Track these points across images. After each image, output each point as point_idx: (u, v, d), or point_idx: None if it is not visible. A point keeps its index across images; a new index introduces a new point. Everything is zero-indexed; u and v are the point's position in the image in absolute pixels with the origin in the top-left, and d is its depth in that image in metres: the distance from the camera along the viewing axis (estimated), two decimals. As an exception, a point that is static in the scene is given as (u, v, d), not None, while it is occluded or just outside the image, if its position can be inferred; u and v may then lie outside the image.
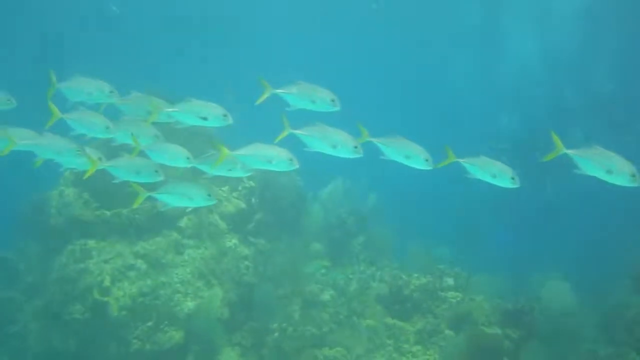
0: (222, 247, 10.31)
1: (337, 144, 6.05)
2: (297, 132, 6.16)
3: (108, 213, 10.16)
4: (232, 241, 10.43)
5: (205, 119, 6.29)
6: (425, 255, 12.25)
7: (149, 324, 9.37)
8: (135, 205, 6.38)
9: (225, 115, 6.29)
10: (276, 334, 9.51)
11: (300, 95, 6.21)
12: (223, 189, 10.75)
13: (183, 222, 10.26)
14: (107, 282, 9.49)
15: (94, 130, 6.70)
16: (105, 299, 9.40)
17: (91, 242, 9.96)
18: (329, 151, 6.15)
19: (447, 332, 9.79)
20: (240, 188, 11.23)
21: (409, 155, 5.89)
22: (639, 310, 10.09)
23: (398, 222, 13.43)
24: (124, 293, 9.47)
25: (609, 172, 5.29)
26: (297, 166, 6.18)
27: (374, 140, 6.08)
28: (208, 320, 9.56)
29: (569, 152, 5.28)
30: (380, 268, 11.77)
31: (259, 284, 10.25)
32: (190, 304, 9.63)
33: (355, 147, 6.04)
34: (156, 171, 6.44)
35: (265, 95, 6.25)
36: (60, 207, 10.43)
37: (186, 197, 6.38)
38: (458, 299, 10.54)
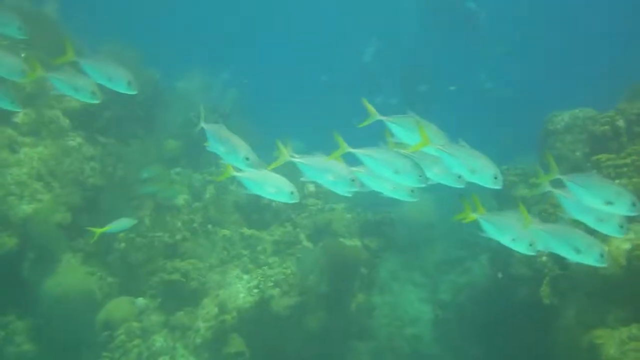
0: (65, 146, 9.58)
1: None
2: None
3: None
4: (76, 140, 9.71)
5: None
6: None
7: (-22, 228, 8.68)
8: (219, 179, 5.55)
9: None
10: (123, 244, 9.12)
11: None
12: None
13: (19, 118, 9.41)
14: None
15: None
16: None
17: None
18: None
19: (305, 243, 9.78)
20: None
21: (475, 169, 4.91)
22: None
23: (261, 119, 13.15)
24: (-51, 194, 8.70)
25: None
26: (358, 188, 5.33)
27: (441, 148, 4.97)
28: (47, 226, 9.00)
29: (384, 118, 5.14)
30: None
31: (106, 187, 9.71)
32: (26, 208, 8.99)
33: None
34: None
35: None
36: None
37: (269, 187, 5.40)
38: (318, 206, 10.49)
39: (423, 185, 5.00)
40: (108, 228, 8.13)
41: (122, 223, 8.30)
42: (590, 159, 8.48)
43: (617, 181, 7.73)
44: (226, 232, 9.81)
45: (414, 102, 16.21)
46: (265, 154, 5.80)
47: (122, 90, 5.62)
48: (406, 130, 5.09)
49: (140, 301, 8.75)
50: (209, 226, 9.85)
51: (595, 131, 8.80)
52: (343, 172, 5.21)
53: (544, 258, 8.21)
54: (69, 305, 8.80)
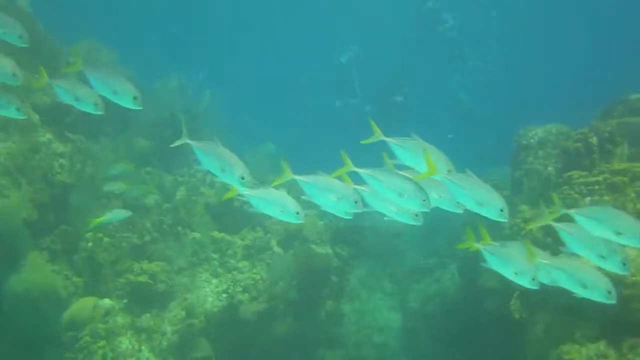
0: (34, 142, 9.38)
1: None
2: None
3: None
4: (45, 136, 9.51)
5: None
6: (260, 160, 12.06)
7: (-59, 225, 8.46)
8: (225, 197, 5.39)
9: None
10: (90, 244, 8.95)
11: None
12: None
13: (-15, 113, 9.19)
14: None
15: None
16: None
17: None
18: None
19: (276, 248, 9.71)
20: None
21: (481, 201, 4.81)
22: (457, 223, 10.58)
23: (232, 123, 13.12)
24: None
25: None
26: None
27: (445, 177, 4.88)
28: (12, 222, 8.79)
29: (387, 139, 5.07)
30: (211, 172, 11.36)
31: (74, 184, 9.53)
32: (-8, 204, 8.78)
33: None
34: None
35: None
36: None
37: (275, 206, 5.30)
38: (291, 212, 10.41)
39: (427, 210, 4.92)
40: (105, 218, 8.06)
41: (118, 214, 8.40)
42: (562, 175, 8.53)
43: (588, 199, 7.79)
44: (196, 234, 9.69)
45: (390, 112, 16.27)
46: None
47: (127, 106, 5.50)
48: (409, 153, 5.00)
49: (106, 302, 8.58)
50: (179, 228, 9.72)
51: (568, 147, 8.85)
52: (347, 192, 5.08)
53: (515, 272, 8.21)
54: (33, 303, 8.60)
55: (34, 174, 9.27)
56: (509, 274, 5.00)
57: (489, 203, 4.78)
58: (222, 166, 5.10)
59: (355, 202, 5.08)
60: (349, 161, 5.02)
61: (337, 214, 5.26)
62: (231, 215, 10.15)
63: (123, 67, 11.67)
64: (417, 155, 4.91)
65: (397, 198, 4.90)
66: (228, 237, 9.75)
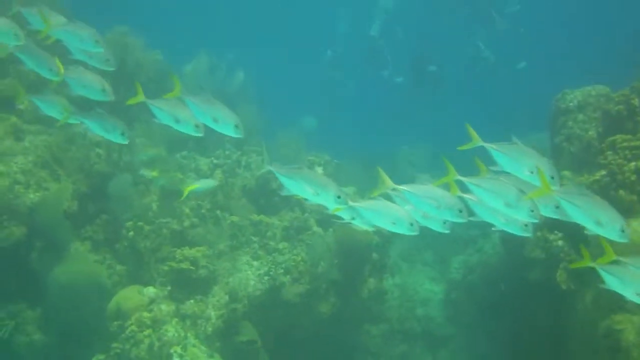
0: (69, 133, 9.42)
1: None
2: None
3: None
4: (81, 126, 9.49)
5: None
6: (294, 139, 11.97)
7: (-15, 219, 8.57)
8: (334, 211, 5.34)
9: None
10: (131, 233, 8.97)
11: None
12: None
13: (23, 105, 9.25)
14: None
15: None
16: None
17: None
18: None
19: (315, 228, 9.62)
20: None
21: (600, 221, 4.54)
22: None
23: (265, 102, 13.03)
24: (-45, 184, 8.61)
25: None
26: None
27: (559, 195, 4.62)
28: (54, 214, 8.90)
29: (487, 145, 4.84)
30: (246, 153, 11.32)
31: (112, 174, 9.55)
32: (32, 196, 8.91)
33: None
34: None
35: None
36: None
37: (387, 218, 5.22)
38: (328, 191, 10.32)
39: (536, 221, 4.77)
40: (196, 186, 8.44)
41: (207, 182, 8.90)
42: (604, 140, 8.28)
43: (632, 164, 7.55)
44: (235, 218, 9.63)
45: (423, 83, 16.04)
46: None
47: (229, 134, 5.43)
48: (511, 160, 4.80)
49: (150, 290, 8.59)
50: (218, 212, 9.66)
51: (610, 110, 8.58)
52: (451, 201, 4.94)
53: (560, 242, 8.10)
54: (78, 293, 8.69)
55: (71, 165, 9.34)
56: (630, 294, 4.74)
57: (608, 223, 4.53)
58: (312, 189, 5.06)
59: (460, 211, 4.94)
60: (452, 169, 4.87)
61: (434, 228, 5.19)
62: (268, 197, 10.09)
63: (151, 51, 11.62)
64: (519, 162, 4.74)
65: (503, 207, 4.76)
66: (267, 219, 9.68)
